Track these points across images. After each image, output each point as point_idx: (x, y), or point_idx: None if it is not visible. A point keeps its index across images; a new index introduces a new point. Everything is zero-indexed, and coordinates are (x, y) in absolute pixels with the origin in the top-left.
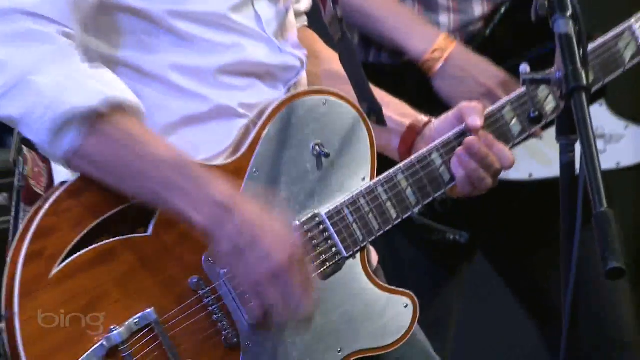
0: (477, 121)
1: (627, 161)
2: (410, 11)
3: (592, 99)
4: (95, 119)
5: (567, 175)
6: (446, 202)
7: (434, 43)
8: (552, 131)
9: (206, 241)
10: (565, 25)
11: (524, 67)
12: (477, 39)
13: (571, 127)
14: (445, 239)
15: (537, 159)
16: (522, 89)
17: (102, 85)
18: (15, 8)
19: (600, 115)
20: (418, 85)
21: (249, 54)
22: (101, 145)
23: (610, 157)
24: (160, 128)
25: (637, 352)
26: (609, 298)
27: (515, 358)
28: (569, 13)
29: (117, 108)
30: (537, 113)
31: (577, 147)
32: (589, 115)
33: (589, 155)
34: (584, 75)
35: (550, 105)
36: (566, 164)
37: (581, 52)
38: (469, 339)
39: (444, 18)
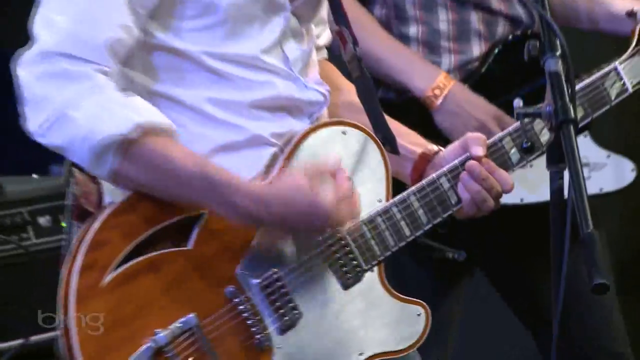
0: (479, 150)
1: (609, 187)
2: (412, 52)
3: (578, 131)
4: (128, 145)
5: (556, 200)
6: (447, 223)
7: (434, 81)
8: (539, 160)
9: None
10: (555, 64)
11: (517, 102)
12: (474, 77)
13: (560, 157)
14: (445, 257)
15: (527, 185)
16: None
17: (132, 113)
18: (55, 51)
19: (585, 146)
20: (422, 119)
21: (279, 91)
22: (137, 166)
23: (594, 183)
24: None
25: None
26: (601, 310)
27: None
28: (558, 53)
29: (148, 131)
30: (529, 144)
31: (566, 174)
32: (577, 146)
33: (577, 182)
34: (572, 109)
35: (545, 136)
36: (556, 189)
37: (569, 89)
38: (468, 348)
39: (445, 59)
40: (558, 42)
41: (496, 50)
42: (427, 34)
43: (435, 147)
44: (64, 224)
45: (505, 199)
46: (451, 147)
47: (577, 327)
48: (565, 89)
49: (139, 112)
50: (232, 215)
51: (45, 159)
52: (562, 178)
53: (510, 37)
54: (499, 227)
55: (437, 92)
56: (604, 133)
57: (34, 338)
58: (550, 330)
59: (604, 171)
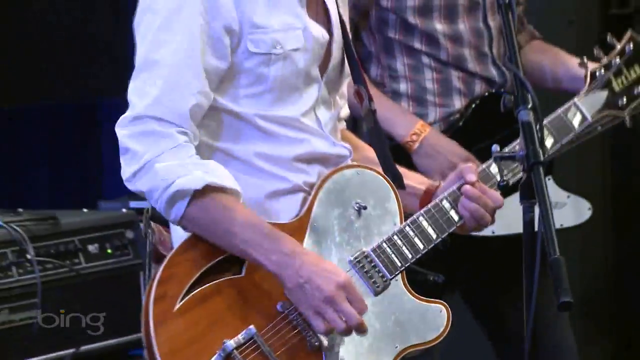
0: (472, 177)
1: (568, 223)
2: (395, 105)
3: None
4: (196, 197)
5: (528, 230)
6: (447, 243)
7: (412, 129)
8: (510, 197)
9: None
10: (527, 115)
11: (495, 147)
12: (455, 126)
13: (531, 194)
14: (427, 279)
15: (497, 220)
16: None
17: (204, 173)
18: (147, 114)
19: (548, 187)
20: (407, 161)
21: (314, 147)
22: (200, 213)
23: (556, 220)
24: (248, 200)
25: None
26: (557, 327)
27: None
28: (529, 105)
29: (214, 189)
30: (505, 182)
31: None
32: (545, 184)
33: (545, 215)
34: (541, 154)
35: (519, 175)
36: (528, 221)
37: (539, 136)
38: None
39: (431, 112)
40: (529, 96)
41: (473, 105)
42: (415, 91)
43: (436, 183)
44: (109, 251)
45: (478, 232)
46: (448, 178)
47: (541, 332)
48: (536, 136)
49: (211, 173)
50: (266, 259)
51: (93, 196)
52: (532, 212)
53: (486, 93)
54: (473, 255)
55: (414, 137)
56: (565, 177)
57: (83, 347)
58: (512, 347)
59: (564, 209)
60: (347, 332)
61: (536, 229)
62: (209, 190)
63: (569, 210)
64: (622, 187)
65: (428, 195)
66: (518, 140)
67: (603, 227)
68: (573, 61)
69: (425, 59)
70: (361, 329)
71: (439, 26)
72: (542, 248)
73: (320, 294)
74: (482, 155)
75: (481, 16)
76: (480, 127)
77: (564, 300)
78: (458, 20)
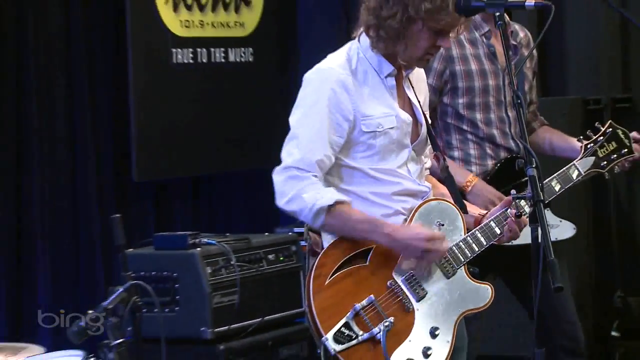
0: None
1: (560, 237)
2: (455, 164)
3: (545, 205)
4: (329, 209)
5: (535, 242)
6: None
7: (466, 179)
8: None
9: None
10: (532, 171)
11: (513, 191)
12: (488, 177)
13: (535, 219)
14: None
15: None
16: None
17: (332, 195)
18: (292, 166)
19: (548, 215)
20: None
21: (405, 187)
22: (334, 219)
23: (552, 235)
24: None
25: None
26: (560, 301)
27: (507, 337)
28: (534, 165)
29: (339, 203)
30: (519, 213)
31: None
32: (544, 213)
33: (544, 233)
34: (541, 195)
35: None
36: (534, 237)
37: (541, 184)
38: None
39: (474, 168)
40: (533, 159)
41: (499, 165)
42: (464, 156)
43: (484, 211)
44: (281, 258)
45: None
46: (494, 208)
47: (546, 309)
48: (538, 184)
49: (335, 194)
50: (382, 240)
51: (271, 225)
52: (537, 231)
53: (507, 157)
54: (501, 258)
55: (468, 184)
56: (558, 208)
57: (267, 317)
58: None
59: (557, 229)
60: (440, 254)
61: (539, 241)
62: (336, 204)
63: (561, 229)
64: (597, 214)
65: (480, 218)
66: (528, 187)
67: (585, 241)
68: (569, 139)
69: (470, 136)
70: (441, 254)
71: (478, 115)
72: (543, 253)
73: (419, 241)
74: (505, 195)
75: (504, 110)
76: (504, 178)
77: (557, 285)
78: (490, 112)
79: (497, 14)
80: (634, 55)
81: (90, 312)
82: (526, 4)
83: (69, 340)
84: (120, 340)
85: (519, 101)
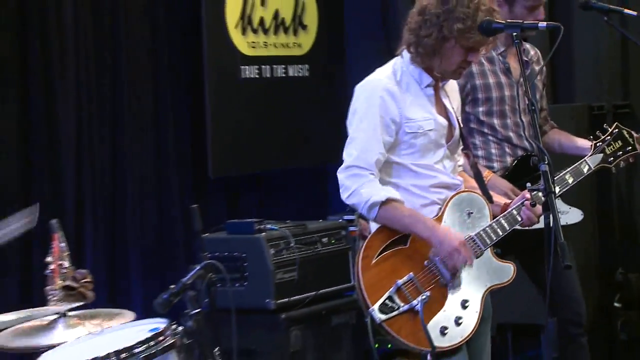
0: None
1: (570, 222)
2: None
3: (556, 196)
4: (382, 204)
5: (547, 227)
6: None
7: (484, 174)
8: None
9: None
10: (545, 167)
11: (528, 184)
12: (506, 172)
13: (547, 208)
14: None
15: None
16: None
17: (386, 192)
18: (352, 165)
19: (558, 203)
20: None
21: (441, 180)
22: (385, 214)
23: (562, 220)
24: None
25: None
26: (566, 279)
27: (522, 305)
28: (546, 162)
29: (390, 200)
30: (533, 203)
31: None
32: (555, 204)
33: (555, 219)
34: (552, 187)
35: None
36: (547, 222)
37: (552, 179)
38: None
39: (495, 164)
40: (546, 157)
41: (516, 161)
42: (486, 154)
43: (508, 200)
44: (333, 241)
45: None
46: (515, 199)
47: (555, 286)
48: (550, 179)
49: (389, 192)
50: (423, 233)
51: (325, 213)
52: (549, 217)
53: (522, 155)
54: (520, 239)
55: (485, 178)
56: (567, 197)
57: (321, 291)
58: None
59: (567, 215)
60: (464, 264)
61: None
62: (388, 201)
63: (570, 215)
64: (601, 203)
65: (505, 207)
66: (540, 181)
67: (591, 225)
68: (575, 139)
69: (491, 138)
70: (470, 264)
71: (496, 121)
72: (554, 236)
73: (450, 247)
74: (521, 187)
75: (518, 116)
76: (520, 172)
77: (566, 264)
78: (506, 118)
79: (514, 34)
80: (633, 67)
81: (172, 286)
82: (539, 25)
83: (155, 310)
84: (198, 310)
85: (533, 108)
